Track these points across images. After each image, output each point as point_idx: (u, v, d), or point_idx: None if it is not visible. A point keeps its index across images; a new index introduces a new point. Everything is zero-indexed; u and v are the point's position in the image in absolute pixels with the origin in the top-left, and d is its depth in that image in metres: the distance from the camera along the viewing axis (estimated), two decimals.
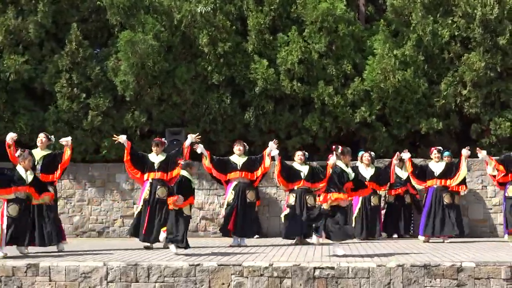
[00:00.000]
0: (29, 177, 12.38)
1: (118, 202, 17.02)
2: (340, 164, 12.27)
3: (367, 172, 15.39)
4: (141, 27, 16.65)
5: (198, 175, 16.88)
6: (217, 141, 17.15)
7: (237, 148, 14.53)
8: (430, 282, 11.08)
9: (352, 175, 12.29)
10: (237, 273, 11.30)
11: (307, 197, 14.28)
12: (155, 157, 13.92)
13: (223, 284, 11.29)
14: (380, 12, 17.97)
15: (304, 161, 14.56)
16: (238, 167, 14.26)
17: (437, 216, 14.77)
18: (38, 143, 13.30)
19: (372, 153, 15.98)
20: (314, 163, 15.05)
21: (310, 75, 17.06)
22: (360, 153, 15.78)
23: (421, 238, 14.84)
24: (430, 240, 14.84)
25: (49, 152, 13.48)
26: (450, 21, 17.00)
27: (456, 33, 17.01)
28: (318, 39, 17.01)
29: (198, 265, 11.36)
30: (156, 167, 13.81)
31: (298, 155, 14.59)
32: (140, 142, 17.08)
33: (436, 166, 14.91)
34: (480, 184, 16.55)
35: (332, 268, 11.20)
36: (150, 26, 16.58)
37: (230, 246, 13.99)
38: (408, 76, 16.65)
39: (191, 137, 13.79)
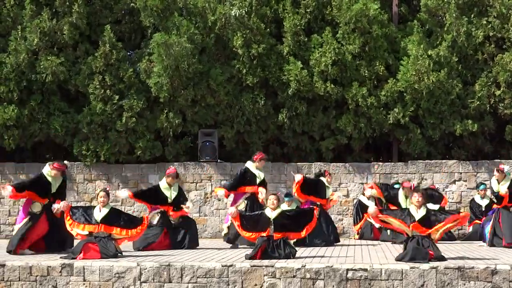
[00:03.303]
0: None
1: None
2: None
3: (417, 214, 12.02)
4: (175, 29, 16.71)
5: (230, 176, 16.96)
6: (251, 142, 17.16)
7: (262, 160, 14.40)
8: (464, 284, 11.01)
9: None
10: (270, 274, 11.30)
11: None
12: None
13: (255, 285, 11.29)
14: (413, 12, 17.87)
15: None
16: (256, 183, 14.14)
17: None
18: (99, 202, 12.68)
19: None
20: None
21: (344, 76, 17.04)
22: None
23: None
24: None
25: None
26: (484, 22, 16.89)
27: (491, 34, 16.91)
28: (352, 41, 16.99)
29: (231, 266, 11.37)
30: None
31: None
32: (174, 143, 17.17)
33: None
34: None
35: (365, 270, 11.15)
36: (185, 29, 16.64)
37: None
38: (442, 77, 16.56)
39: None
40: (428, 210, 11.89)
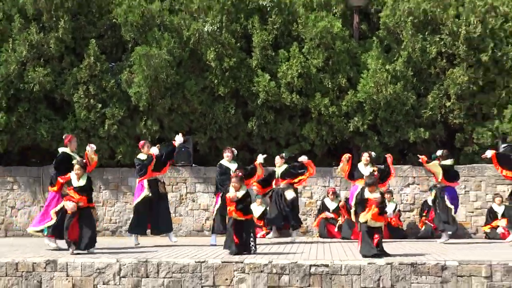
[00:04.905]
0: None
1: (130, 203, 16.96)
2: None
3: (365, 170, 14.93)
4: (155, 42, 16.70)
5: (204, 179, 17.01)
6: (223, 148, 17.11)
7: (226, 154, 14.61)
8: (417, 279, 11.13)
9: None
10: (239, 269, 11.34)
11: None
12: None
13: (226, 279, 11.34)
14: (373, 30, 17.95)
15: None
16: (231, 172, 14.01)
17: None
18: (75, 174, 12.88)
19: (373, 153, 15.73)
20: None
21: (308, 87, 17.10)
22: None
23: None
24: None
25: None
26: (437, 39, 17.02)
27: (443, 50, 17.04)
28: (316, 55, 17.05)
29: (203, 262, 11.41)
30: None
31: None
32: None
33: None
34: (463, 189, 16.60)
35: (327, 265, 11.23)
36: (165, 42, 16.63)
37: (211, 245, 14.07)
38: (398, 89, 16.68)
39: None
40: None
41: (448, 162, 14.64)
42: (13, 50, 16.94)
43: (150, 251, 12.77)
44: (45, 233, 13.22)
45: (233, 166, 14.32)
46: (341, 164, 15.11)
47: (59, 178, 13.06)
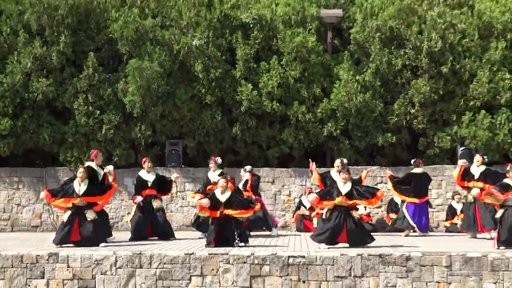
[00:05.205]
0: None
1: (125, 201, 16.96)
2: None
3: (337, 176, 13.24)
4: (147, 56, 16.58)
5: (192, 179, 16.90)
6: (209, 151, 17.09)
7: (210, 165, 14.97)
8: (384, 268, 11.10)
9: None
10: (224, 260, 11.27)
11: None
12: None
13: (212, 269, 11.25)
14: (345, 44, 17.95)
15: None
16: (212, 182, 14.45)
17: None
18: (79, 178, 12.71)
19: (345, 160, 15.46)
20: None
21: (287, 96, 17.04)
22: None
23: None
24: None
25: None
26: (402, 53, 17.01)
27: (407, 63, 17.04)
28: (294, 67, 17.00)
29: (192, 254, 11.33)
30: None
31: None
32: (146, 151, 17.03)
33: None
34: None
35: (303, 256, 11.19)
36: (157, 55, 16.52)
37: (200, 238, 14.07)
38: (367, 98, 16.66)
39: None
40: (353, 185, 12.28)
41: (417, 170, 14.84)
42: (18, 62, 16.80)
43: (144, 244, 12.67)
44: None
45: (216, 174, 14.58)
46: (312, 175, 13.50)
47: None
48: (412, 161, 15.17)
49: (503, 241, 11.86)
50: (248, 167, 15.41)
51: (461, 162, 14.41)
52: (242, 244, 12.22)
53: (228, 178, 12.85)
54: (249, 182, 14.93)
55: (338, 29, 18.23)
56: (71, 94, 16.86)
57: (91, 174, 12.78)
